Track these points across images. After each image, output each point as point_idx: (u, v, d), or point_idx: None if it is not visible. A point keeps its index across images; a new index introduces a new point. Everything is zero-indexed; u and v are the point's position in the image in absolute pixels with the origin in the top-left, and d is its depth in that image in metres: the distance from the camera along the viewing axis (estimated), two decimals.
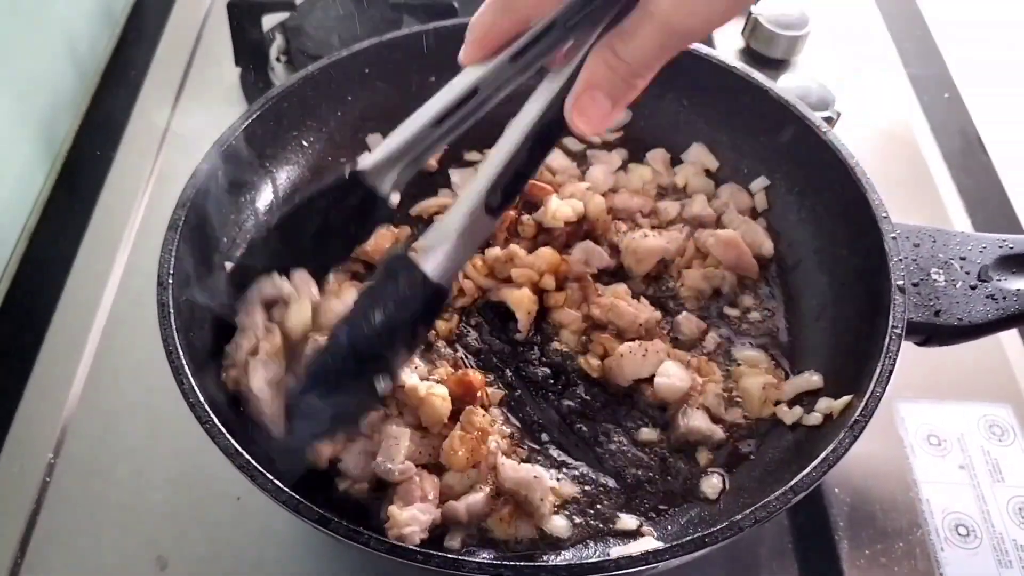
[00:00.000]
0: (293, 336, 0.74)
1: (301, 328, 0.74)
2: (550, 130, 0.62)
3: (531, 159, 0.63)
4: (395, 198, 0.70)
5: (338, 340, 0.63)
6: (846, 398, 0.75)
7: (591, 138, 1.03)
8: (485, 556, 0.73)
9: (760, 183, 0.97)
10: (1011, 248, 0.81)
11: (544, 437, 0.82)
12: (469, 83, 0.65)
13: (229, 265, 0.87)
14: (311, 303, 0.74)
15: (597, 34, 0.60)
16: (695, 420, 0.80)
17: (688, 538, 0.63)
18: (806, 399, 0.81)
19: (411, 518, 0.71)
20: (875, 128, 1.21)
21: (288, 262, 0.74)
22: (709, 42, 1.30)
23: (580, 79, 0.59)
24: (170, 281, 0.75)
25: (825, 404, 0.78)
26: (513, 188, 0.63)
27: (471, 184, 0.63)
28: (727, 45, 1.30)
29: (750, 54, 1.28)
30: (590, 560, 0.63)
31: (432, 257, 0.62)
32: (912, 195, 1.13)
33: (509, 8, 0.61)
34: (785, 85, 1.13)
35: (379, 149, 0.68)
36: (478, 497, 0.74)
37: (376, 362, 0.63)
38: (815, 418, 0.78)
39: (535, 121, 0.61)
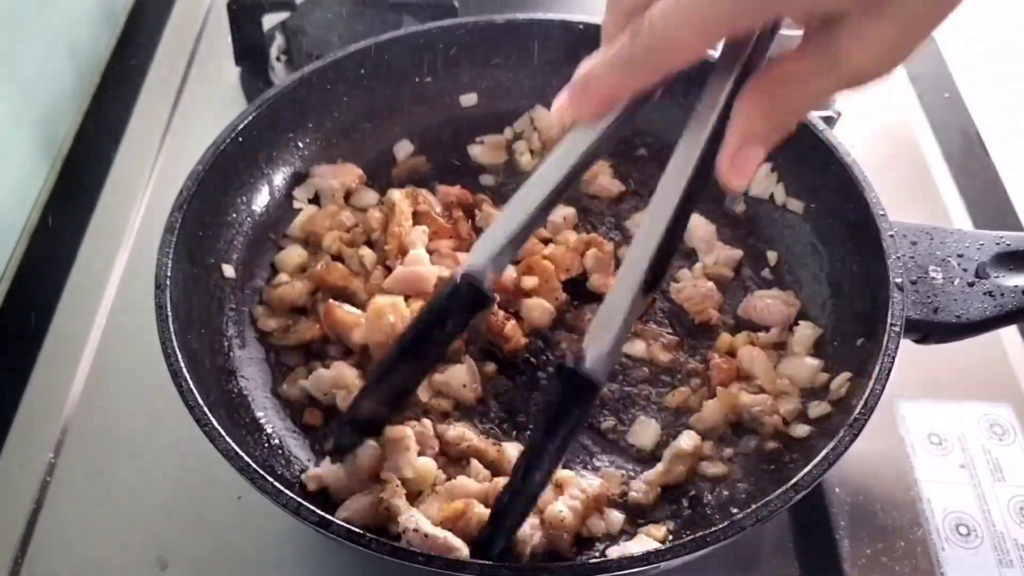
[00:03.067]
0: None
1: None
2: (694, 195, 0.56)
3: (677, 229, 0.58)
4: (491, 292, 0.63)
5: (518, 477, 0.62)
6: (846, 374, 0.76)
7: None
8: None
9: (765, 168, 0.95)
10: (1008, 245, 0.81)
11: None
12: (585, 151, 0.57)
13: (227, 268, 0.87)
14: None
15: (734, 78, 0.55)
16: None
17: (689, 538, 0.63)
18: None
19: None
20: (875, 128, 1.21)
21: (405, 385, 0.70)
22: None
23: (733, 135, 0.52)
24: (167, 283, 0.75)
25: (834, 384, 0.78)
26: (662, 265, 0.58)
27: (627, 271, 0.58)
28: None
29: None
30: (591, 560, 0.62)
31: (597, 354, 0.58)
32: (913, 194, 1.13)
33: (657, 63, 0.51)
34: None
35: (485, 246, 0.61)
36: (575, 504, 0.72)
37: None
38: (823, 408, 0.78)
39: (683, 194, 0.56)
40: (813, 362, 0.82)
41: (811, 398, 0.80)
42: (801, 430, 0.78)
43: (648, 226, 0.57)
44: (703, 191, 0.57)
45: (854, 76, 0.49)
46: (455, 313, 0.62)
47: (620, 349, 0.61)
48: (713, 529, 0.62)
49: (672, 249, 0.59)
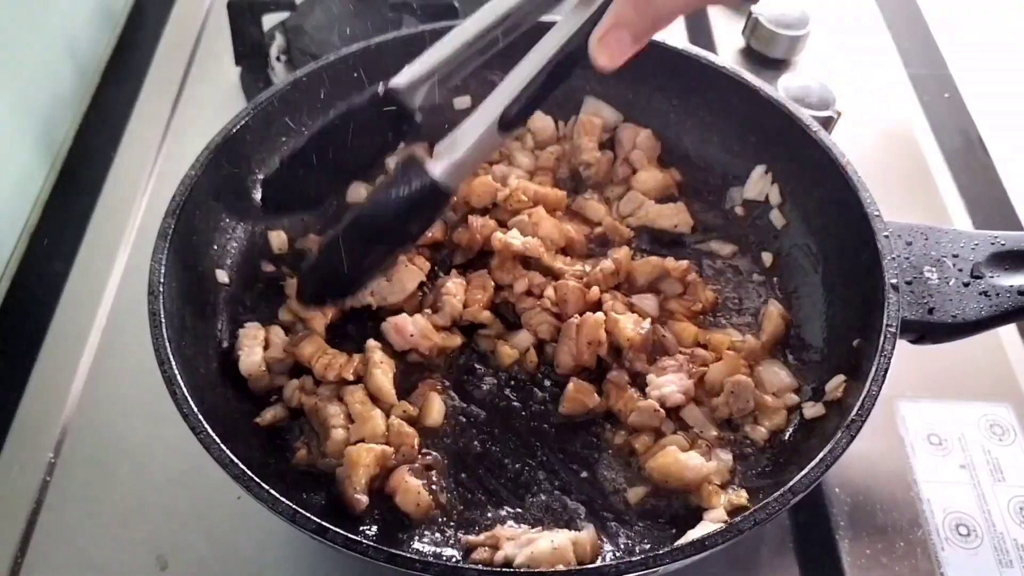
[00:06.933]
0: None
1: None
2: (570, 59, 0.65)
3: (547, 85, 0.66)
4: (419, 117, 0.74)
5: (349, 223, 0.69)
6: (841, 376, 0.76)
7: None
8: None
9: (759, 170, 0.96)
10: (1003, 245, 0.81)
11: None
12: (505, 8, 0.69)
13: (221, 274, 0.87)
14: None
15: None
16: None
17: (688, 541, 0.63)
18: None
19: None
20: (875, 128, 1.21)
21: (319, 177, 0.77)
22: (709, 42, 1.30)
23: (607, 17, 0.62)
24: (161, 290, 0.75)
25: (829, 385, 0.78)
26: (526, 110, 0.67)
27: (490, 101, 0.66)
28: (727, 44, 1.29)
29: (750, 54, 1.28)
30: (591, 565, 0.62)
31: (443, 162, 0.67)
32: (913, 195, 1.13)
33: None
34: (785, 85, 1.13)
35: (413, 67, 0.71)
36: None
37: (378, 246, 0.71)
38: (817, 409, 0.78)
39: (557, 49, 0.64)
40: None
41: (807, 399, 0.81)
42: (799, 431, 0.78)
43: (516, 72, 0.65)
44: (576, 61, 0.65)
45: None
46: (374, 122, 0.72)
47: (466, 172, 0.70)
48: (711, 532, 0.62)
49: (538, 102, 0.67)
